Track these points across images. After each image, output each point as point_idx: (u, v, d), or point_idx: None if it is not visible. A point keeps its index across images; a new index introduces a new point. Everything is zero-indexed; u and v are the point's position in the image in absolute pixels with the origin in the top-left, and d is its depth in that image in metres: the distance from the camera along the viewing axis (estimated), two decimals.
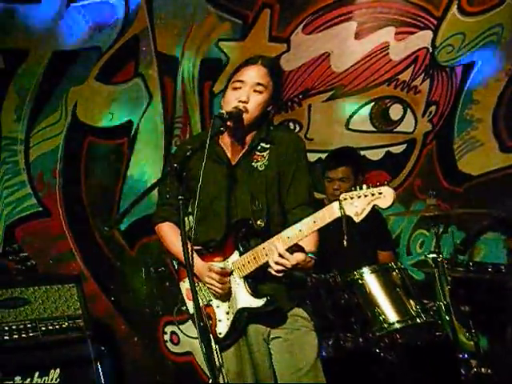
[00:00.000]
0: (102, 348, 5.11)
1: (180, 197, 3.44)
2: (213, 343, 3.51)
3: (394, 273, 5.21)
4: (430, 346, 5.18)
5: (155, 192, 4.06)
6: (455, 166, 6.30)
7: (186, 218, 3.50)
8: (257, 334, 3.85)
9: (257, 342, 3.85)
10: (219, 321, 3.84)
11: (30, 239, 6.39)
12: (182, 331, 4.09)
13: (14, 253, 6.03)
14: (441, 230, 5.34)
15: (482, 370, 4.94)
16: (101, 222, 6.48)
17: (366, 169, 5.97)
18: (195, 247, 3.60)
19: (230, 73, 3.97)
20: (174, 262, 4.11)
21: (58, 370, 4.96)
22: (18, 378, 4.85)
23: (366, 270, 5.16)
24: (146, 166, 6.58)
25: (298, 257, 3.61)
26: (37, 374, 4.93)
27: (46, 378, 4.94)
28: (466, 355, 4.98)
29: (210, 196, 3.84)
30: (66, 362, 5.01)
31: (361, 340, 4.99)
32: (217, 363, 3.41)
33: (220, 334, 3.82)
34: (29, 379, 4.91)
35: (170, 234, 4.03)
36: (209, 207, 3.86)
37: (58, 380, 4.95)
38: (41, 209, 6.49)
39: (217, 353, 3.64)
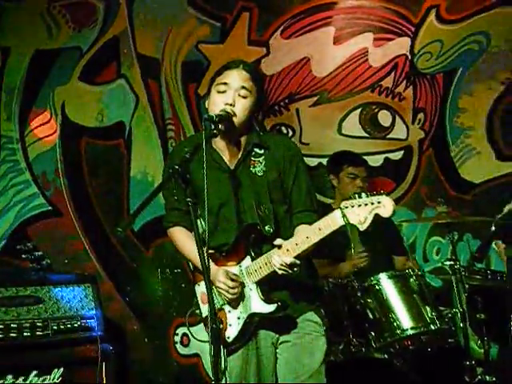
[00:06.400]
0: (111, 348, 5.16)
1: (188, 199, 3.51)
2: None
3: (412, 279, 5.27)
4: (440, 353, 5.26)
5: None
6: (457, 173, 6.35)
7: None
8: (266, 337, 3.96)
9: (265, 346, 3.96)
10: (229, 325, 3.92)
11: (43, 238, 6.44)
12: (191, 334, 4.12)
13: (29, 251, 6.04)
14: (456, 237, 5.34)
15: (487, 377, 4.98)
16: (112, 222, 6.54)
17: (370, 175, 6.04)
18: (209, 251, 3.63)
19: (212, 75, 4.09)
20: (190, 264, 4.17)
21: (60, 370, 5.01)
22: (9, 377, 4.90)
23: (383, 276, 5.25)
24: (147, 167, 6.65)
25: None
26: (34, 372, 4.97)
27: (48, 377, 4.99)
28: (473, 362, 4.97)
29: (217, 201, 3.94)
30: (71, 362, 5.07)
31: (373, 345, 5.05)
32: (222, 366, 3.41)
33: (228, 338, 3.91)
34: (21, 378, 4.95)
35: (182, 239, 4.11)
36: (218, 212, 3.97)
37: (60, 379, 5.00)
38: (50, 208, 6.55)
39: (223, 356, 3.66)
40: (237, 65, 3.98)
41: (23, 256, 5.87)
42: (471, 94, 6.35)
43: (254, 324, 3.87)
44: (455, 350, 5.20)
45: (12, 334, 4.98)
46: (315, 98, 6.55)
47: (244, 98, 3.90)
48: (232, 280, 3.83)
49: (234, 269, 3.90)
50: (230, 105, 3.86)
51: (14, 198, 6.49)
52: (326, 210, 4.01)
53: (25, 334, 5.01)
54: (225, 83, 3.92)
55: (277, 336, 3.95)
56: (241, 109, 3.89)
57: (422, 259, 6.38)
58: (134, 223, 6.41)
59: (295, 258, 3.66)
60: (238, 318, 3.89)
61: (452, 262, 5.24)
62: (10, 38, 6.56)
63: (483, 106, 6.34)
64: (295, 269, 3.69)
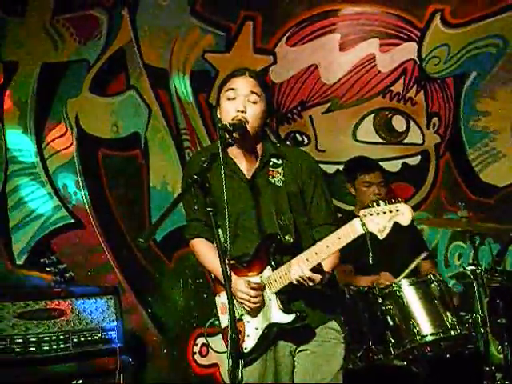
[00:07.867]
0: (129, 360, 5.18)
1: (209, 208, 3.48)
2: None
3: (433, 285, 5.21)
4: (458, 359, 5.23)
5: None
6: (477, 177, 6.30)
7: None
8: (284, 347, 3.96)
9: (283, 355, 3.96)
10: (247, 336, 3.91)
11: (67, 251, 6.50)
12: (209, 345, 4.07)
13: (52, 264, 6.09)
14: (477, 242, 5.29)
15: (506, 383, 4.94)
16: (134, 233, 6.59)
17: (389, 180, 6.04)
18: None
19: (218, 84, 4.09)
20: (212, 274, 4.16)
21: (79, 382, 5.04)
22: None
23: (404, 282, 5.20)
24: (166, 177, 6.68)
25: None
26: None
27: None
28: (492, 368, 4.92)
29: (235, 210, 3.90)
30: (90, 374, 5.15)
31: (392, 352, 5.01)
32: (239, 377, 3.40)
33: (246, 348, 3.90)
34: None
35: (203, 250, 4.12)
36: (237, 222, 3.96)
37: None
38: (73, 220, 6.61)
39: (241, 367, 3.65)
40: (242, 72, 3.98)
41: (47, 269, 5.92)
42: (494, 98, 6.30)
43: (271, 335, 3.85)
44: (474, 355, 5.14)
45: (17, 349, 5.03)
46: (327, 105, 6.54)
47: (254, 103, 3.89)
48: (254, 289, 3.83)
49: (254, 279, 3.88)
50: (242, 111, 3.86)
51: (37, 211, 6.55)
52: (348, 217, 3.98)
53: (44, 347, 5.07)
54: (233, 90, 3.92)
55: (295, 346, 3.95)
56: (252, 115, 3.87)
57: (444, 264, 6.33)
58: (156, 234, 6.43)
59: (316, 267, 3.65)
60: (256, 329, 3.88)
61: (474, 267, 5.18)
62: (15, 52, 6.68)
63: (508, 109, 6.29)
64: (311, 284, 3.69)
